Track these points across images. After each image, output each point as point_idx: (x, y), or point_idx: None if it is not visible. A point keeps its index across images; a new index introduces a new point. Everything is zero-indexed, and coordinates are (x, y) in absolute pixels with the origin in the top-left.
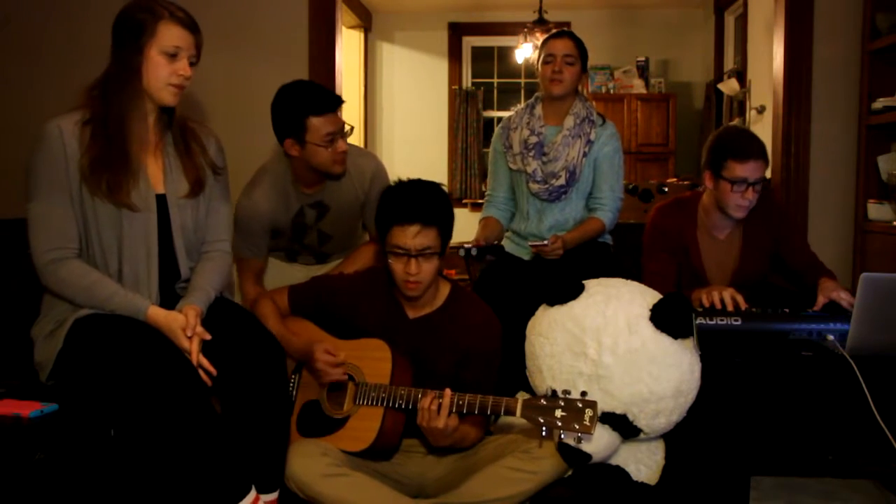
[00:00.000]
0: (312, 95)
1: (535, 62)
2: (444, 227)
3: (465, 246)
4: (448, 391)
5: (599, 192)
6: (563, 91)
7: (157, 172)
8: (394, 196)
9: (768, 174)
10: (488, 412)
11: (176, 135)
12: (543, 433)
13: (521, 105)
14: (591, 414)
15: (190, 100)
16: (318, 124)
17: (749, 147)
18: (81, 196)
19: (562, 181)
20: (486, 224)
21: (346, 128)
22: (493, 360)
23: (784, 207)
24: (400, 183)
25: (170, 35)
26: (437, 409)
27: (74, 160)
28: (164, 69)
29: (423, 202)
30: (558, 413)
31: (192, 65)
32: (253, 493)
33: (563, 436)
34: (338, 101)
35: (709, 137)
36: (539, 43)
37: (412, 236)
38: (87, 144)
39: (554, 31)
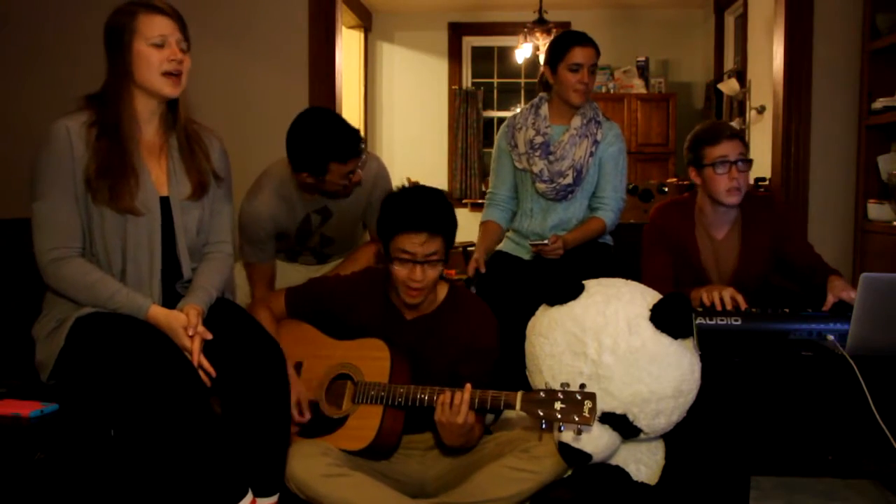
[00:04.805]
0: (337, 139)
1: (543, 64)
2: (449, 236)
3: (470, 275)
4: (468, 386)
5: (602, 192)
6: (584, 100)
7: (161, 175)
8: (400, 203)
9: (767, 174)
10: (488, 406)
11: (181, 137)
12: (543, 426)
13: (525, 105)
14: (590, 405)
15: (189, 99)
16: (340, 168)
17: (718, 131)
18: (87, 197)
19: (569, 180)
20: (485, 231)
21: (362, 158)
22: (491, 358)
23: (785, 208)
24: (405, 189)
25: (151, 25)
26: (458, 403)
27: (81, 161)
28: (154, 58)
29: (430, 211)
30: (557, 405)
31: (183, 52)
32: (249, 497)
33: (562, 428)
34: (359, 142)
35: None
36: (539, 43)
37: (420, 244)
38: (92, 148)
39: (563, 30)
